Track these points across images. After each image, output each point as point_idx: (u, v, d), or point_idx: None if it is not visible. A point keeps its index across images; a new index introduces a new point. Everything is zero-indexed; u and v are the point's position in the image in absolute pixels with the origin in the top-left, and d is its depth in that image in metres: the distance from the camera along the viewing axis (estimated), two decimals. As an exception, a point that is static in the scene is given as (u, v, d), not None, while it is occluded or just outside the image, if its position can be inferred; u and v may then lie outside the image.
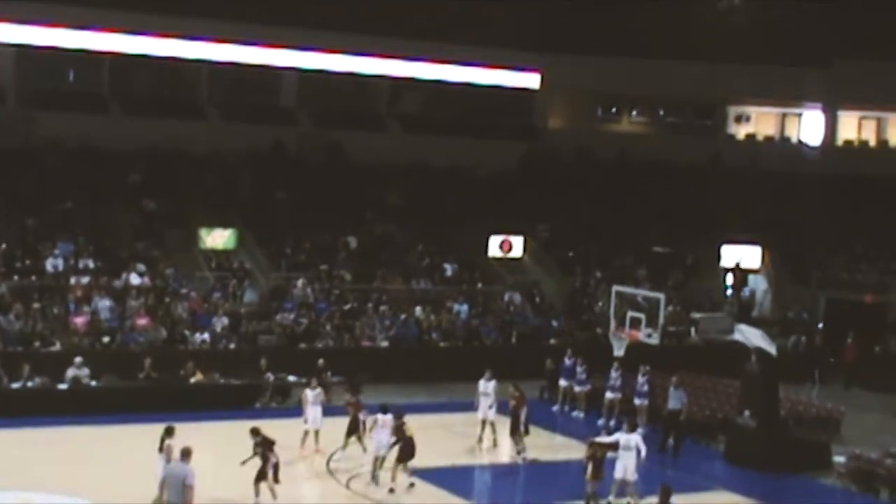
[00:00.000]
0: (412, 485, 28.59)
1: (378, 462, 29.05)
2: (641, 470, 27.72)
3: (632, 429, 27.89)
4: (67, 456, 30.26)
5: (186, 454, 22.20)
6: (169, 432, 24.66)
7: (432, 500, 27.61)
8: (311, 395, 31.41)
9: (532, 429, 33.31)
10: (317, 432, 31.19)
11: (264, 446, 25.73)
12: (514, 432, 32.31)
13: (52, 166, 46.61)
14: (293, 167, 52.18)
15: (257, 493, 25.33)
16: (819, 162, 61.43)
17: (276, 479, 25.50)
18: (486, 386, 33.63)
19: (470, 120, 57.88)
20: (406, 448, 28.55)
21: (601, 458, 27.22)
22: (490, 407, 33.40)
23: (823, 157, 61.98)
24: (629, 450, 27.12)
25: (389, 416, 29.07)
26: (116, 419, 33.45)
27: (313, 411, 31.26)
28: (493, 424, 33.49)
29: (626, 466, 27.09)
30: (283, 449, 26.73)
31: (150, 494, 25.86)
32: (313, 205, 49.34)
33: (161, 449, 24.41)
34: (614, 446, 27.42)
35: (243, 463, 24.91)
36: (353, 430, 31.03)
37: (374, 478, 28.83)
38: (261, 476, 25.42)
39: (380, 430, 29.16)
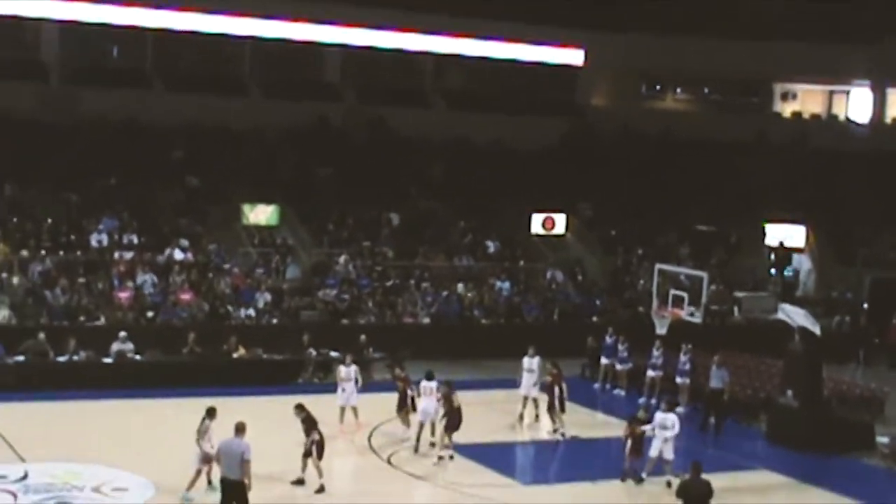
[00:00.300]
0: (451, 457, 28.82)
1: (422, 430, 29.26)
2: (681, 449, 27.70)
3: (670, 408, 27.89)
4: (111, 429, 30.47)
5: (241, 429, 22.33)
6: (210, 414, 24.71)
7: (472, 475, 27.65)
8: (345, 371, 31.38)
9: (572, 406, 33.33)
10: (354, 409, 31.13)
11: (308, 423, 25.79)
12: (551, 409, 32.38)
13: (95, 142, 46.81)
14: (336, 143, 52.21)
15: (304, 468, 25.45)
16: (867, 140, 60.93)
17: (319, 457, 25.56)
18: (530, 363, 33.67)
19: (513, 96, 57.74)
20: (454, 418, 28.83)
21: (640, 436, 27.33)
22: (534, 384, 33.41)
23: (871, 135, 61.49)
24: (665, 429, 27.15)
25: (434, 384, 29.51)
26: (160, 393, 33.70)
27: (347, 387, 31.18)
28: (535, 401, 33.50)
29: (662, 446, 27.16)
30: (324, 425, 26.80)
31: (191, 466, 26.07)
32: (356, 181, 49.37)
33: (199, 430, 24.51)
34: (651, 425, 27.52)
35: (306, 452, 25.08)
36: (403, 405, 30.97)
37: (416, 447, 29.00)
38: (307, 452, 25.50)
39: (425, 398, 29.38)
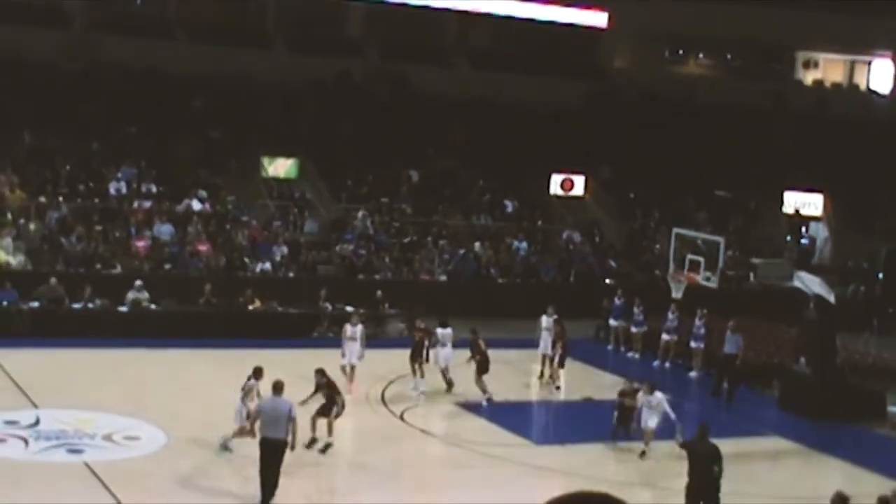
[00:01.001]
0: (489, 400, 29.98)
1: (446, 376, 29.70)
2: (693, 413, 27.74)
3: (651, 390, 26.72)
4: (124, 377, 30.60)
5: (280, 388, 22.17)
6: (257, 374, 24.55)
7: (485, 434, 27.74)
8: (350, 329, 30.93)
9: (584, 368, 33.53)
10: (353, 368, 30.59)
11: (331, 388, 25.71)
12: (550, 363, 33.30)
13: (115, 91, 46.83)
14: (358, 99, 52.17)
15: (313, 429, 25.36)
16: (887, 110, 60.73)
17: (336, 415, 25.48)
18: (549, 322, 33.85)
19: (536, 57, 57.58)
20: (483, 362, 30.19)
21: (630, 407, 27.22)
22: (553, 343, 33.62)
23: (892, 106, 61.28)
24: (650, 408, 26.44)
25: (450, 331, 30.64)
26: (174, 343, 33.78)
27: (350, 346, 30.74)
28: (552, 360, 33.64)
29: (647, 419, 26.43)
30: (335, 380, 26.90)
31: (204, 417, 26.22)
32: (376, 137, 49.36)
33: (244, 389, 24.47)
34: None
35: (303, 402, 24.96)
36: (418, 355, 31.12)
37: (449, 384, 30.11)
38: (322, 413, 25.43)
39: (441, 345, 29.75)
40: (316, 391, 25.75)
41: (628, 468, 25.97)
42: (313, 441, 25.33)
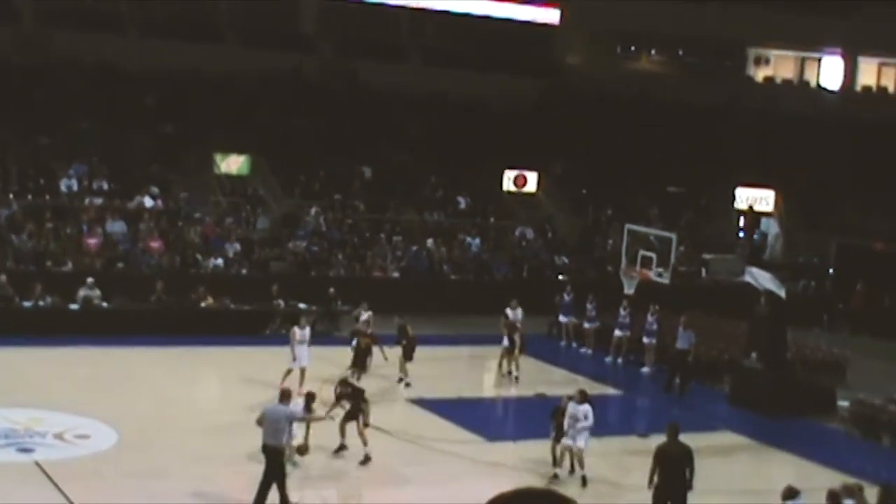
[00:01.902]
0: (408, 385, 31.23)
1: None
2: (647, 409, 27.85)
3: (583, 399, 25.10)
4: (75, 376, 30.48)
5: (286, 395, 22.36)
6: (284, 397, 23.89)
7: (437, 430, 27.78)
8: (300, 333, 30.08)
9: (537, 363, 33.72)
10: (303, 371, 29.81)
11: (356, 396, 25.52)
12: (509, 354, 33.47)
13: (67, 86, 46.56)
14: (311, 95, 52.05)
15: (342, 435, 25.05)
16: (837, 107, 61.15)
17: (365, 424, 25.37)
18: (514, 315, 34.14)
19: (489, 54, 57.62)
20: (409, 348, 31.64)
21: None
22: (509, 336, 33.80)
23: (841, 103, 61.71)
24: (577, 420, 24.60)
25: (370, 313, 32.61)
26: (127, 341, 33.60)
27: (300, 350, 29.89)
28: (512, 352, 33.88)
29: (575, 435, 24.59)
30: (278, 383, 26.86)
31: (156, 415, 26.15)
32: (329, 133, 49.28)
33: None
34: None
35: (327, 414, 24.78)
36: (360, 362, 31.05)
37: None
38: (350, 417, 25.16)
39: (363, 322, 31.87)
40: (337, 401, 25.46)
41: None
42: (342, 448, 25.16)
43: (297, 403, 23.81)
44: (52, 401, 27.37)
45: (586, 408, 24.72)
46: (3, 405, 26.77)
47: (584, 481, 24.38)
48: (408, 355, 31.80)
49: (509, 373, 33.69)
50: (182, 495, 22.23)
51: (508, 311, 34.54)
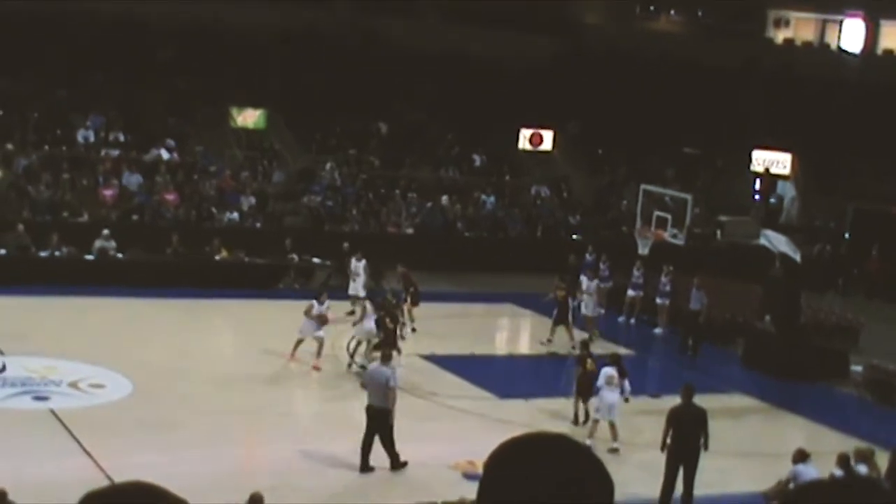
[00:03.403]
0: (413, 330, 31.81)
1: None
2: (658, 370, 27.86)
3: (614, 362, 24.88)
4: (90, 326, 30.60)
5: (387, 357, 22.63)
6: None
7: (450, 387, 27.86)
8: (317, 307, 28.78)
9: (549, 323, 33.65)
10: (300, 342, 28.78)
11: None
12: (563, 323, 32.69)
13: (85, 38, 46.48)
14: (328, 50, 51.91)
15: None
16: (857, 70, 60.81)
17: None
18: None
19: (507, 11, 57.38)
20: (416, 294, 32.79)
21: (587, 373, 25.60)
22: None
23: (862, 66, 61.37)
24: (611, 386, 24.31)
25: (364, 262, 33.35)
26: (141, 292, 33.67)
27: (308, 323, 28.81)
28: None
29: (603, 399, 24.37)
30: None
31: (169, 365, 26.27)
32: (345, 89, 49.17)
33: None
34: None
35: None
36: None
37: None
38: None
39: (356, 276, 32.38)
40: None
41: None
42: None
43: (400, 366, 25.29)
44: (67, 350, 27.51)
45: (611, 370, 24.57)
46: (19, 353, 26.93)
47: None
48: (415, 301, 32.55)
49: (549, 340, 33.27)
50: (194, 446, 22.39)
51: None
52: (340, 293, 32.95)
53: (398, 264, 33.21)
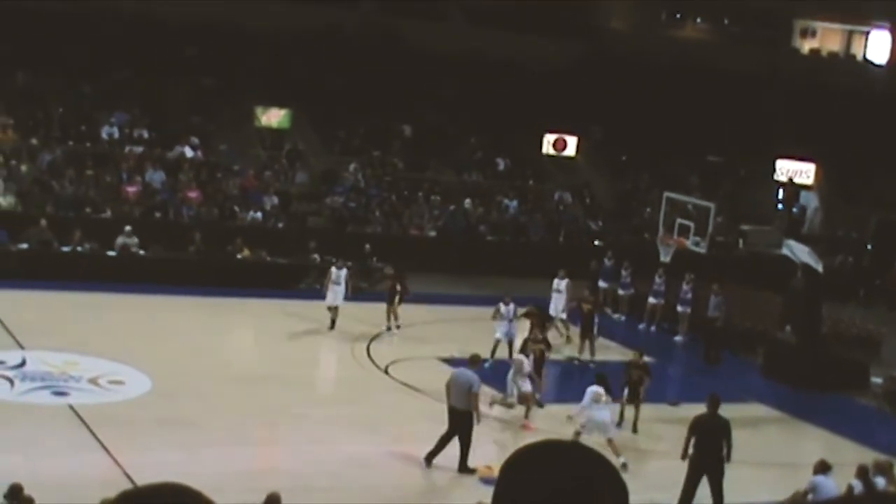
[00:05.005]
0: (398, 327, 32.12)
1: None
2: (677, 378, 27.83)
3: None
4: (111, 322, 30.65)
5: (475, 361, 23.01)
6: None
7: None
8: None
9: (571, 330, 33.61)
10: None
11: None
12: (586, 335, 32.55)
13: (109, 35, 46.58)
14: (352, 51, 51.95)
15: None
16: (883, 82, 60.66)
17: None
18: (559, 284, 34.05)
19: (532, 15, 57.33)
20: (404, 292, 32.65)
21: (637, 379, 26.07)
22: (562, 308, 33.77)
23: (887, 77, 61.21)
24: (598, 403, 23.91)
25: (345, 271, 32.50)
26: (163, 290, 33.72)
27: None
28: (563, 321, 33.80)
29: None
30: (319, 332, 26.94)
31: (189, 363, 26.32)
32: (370, 90, 49.19)
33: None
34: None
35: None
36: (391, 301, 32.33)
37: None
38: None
39: (332, 284, 31.94)
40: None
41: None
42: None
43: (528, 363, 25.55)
44: (87, 346, 27.58)
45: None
46: (39, 348, 27.01)
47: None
48: (398, 302, 32.71)
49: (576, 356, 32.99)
50: (212, 444, 22.42)
51: (556, 281, 34.24)
52: (360, 296, 33.02)
53: (386, 266, 33.35)
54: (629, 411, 26.27)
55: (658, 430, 25.88)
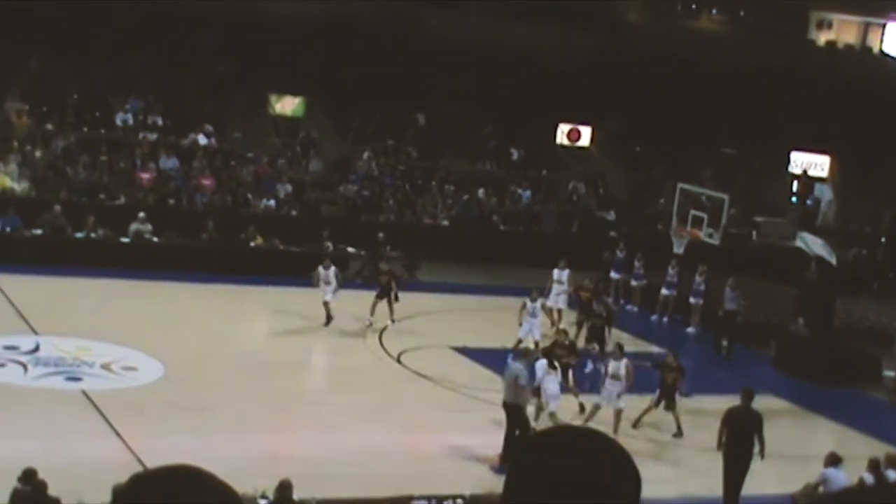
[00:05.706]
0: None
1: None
2: (692, 369, 27.81)
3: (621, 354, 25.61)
4: (124, 308, 30.69)
5: (524, 354, 23.23)
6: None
7: (480, 380, 27.82)
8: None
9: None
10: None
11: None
12: (582, 323, 32.53)
13: (125, 21, 46.55)
14: (367, 39, 51.88)
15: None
16: (898, 74, 60.46)
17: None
18: (560, 274, 33.89)
19: (548, 6, 57.19)
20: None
21: (671, 384, 25.79)
22: (559, 295, 33.62)
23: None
24: (616, 378, 24.90)
25: (333, 269, 31.86)
26: (176, 276, 33.77)
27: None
28: (560, 312, 33.69)
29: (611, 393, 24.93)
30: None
31: (201, 350, 26.37)
32: (385, 79, 49.13)
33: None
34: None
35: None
36: (384, 295, 31.84)
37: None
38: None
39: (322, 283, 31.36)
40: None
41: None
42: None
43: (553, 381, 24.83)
44: (100, 332, 27.64)
45: (625, 363, 25.08)
46: (52, 333, 27.09)
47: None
48: (383, 297, 32.09)
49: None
50: (224, 430, 22.46)
51: (556, 271, 34.14)
52: (371, 286, 33.04)
53: (381, 263, 33.30)
54: (659, 414, 25.78)
55: (669, 419, 25.84)
